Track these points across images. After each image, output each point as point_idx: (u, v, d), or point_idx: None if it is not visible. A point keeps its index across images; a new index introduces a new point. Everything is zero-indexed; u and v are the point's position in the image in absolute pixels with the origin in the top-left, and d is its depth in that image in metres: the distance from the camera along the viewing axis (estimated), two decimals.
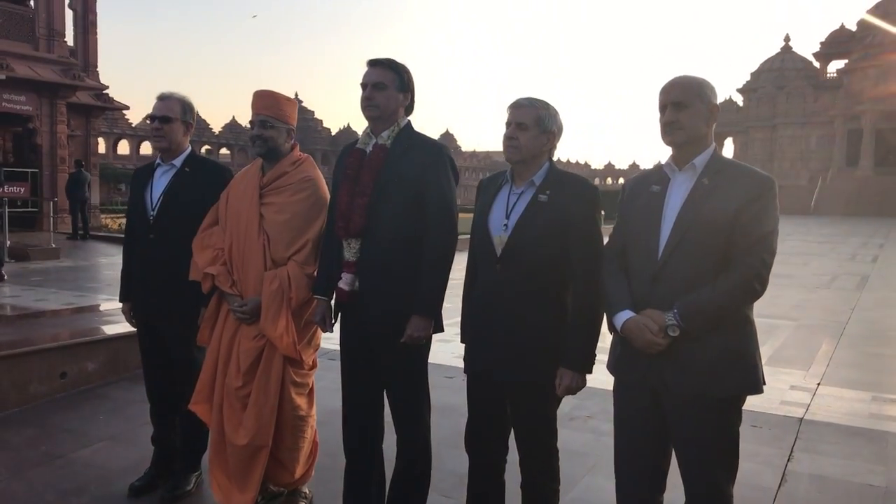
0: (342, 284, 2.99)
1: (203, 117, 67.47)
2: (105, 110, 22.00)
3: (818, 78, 61.45)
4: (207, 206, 3.44)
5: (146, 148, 66.89)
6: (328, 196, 3.28)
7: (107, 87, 20.15)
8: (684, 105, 2.45)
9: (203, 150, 62.54)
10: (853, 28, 63.69)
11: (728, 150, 58.16)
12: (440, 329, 3.01)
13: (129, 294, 3.68)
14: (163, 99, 3.55)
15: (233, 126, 68.72)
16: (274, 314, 3.18)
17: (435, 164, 2.98)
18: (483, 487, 2.95)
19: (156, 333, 3.61)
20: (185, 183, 3.54)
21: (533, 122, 2.73)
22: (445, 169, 3.00)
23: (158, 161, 3.64)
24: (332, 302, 3.10)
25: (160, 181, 3.59)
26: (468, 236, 2.92)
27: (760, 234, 2.36)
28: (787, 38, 62.57)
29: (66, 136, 18.25)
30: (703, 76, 2.53)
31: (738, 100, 65.11)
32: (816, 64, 63.70)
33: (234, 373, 3.26)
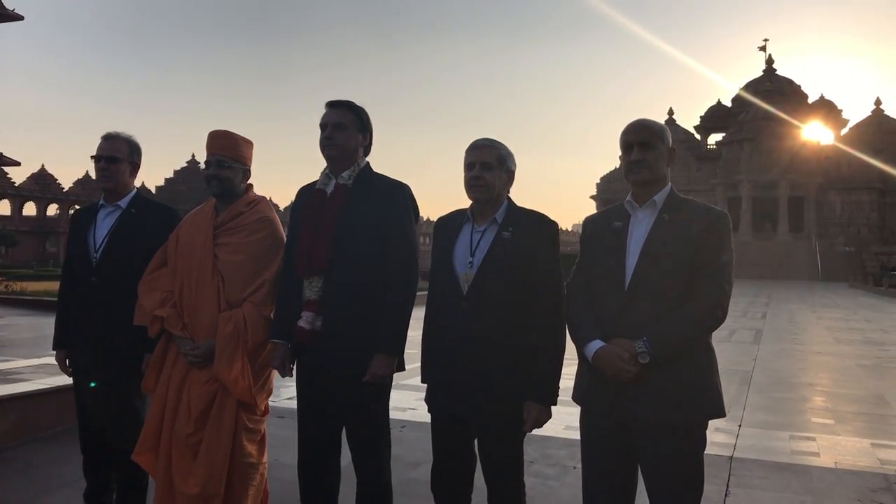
0: (303, 323, 2.95)
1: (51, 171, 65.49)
2: None
3: (700, 149, 65.77)
4: (154, 249, 3.33)
5: (29, 208, 63.88)
6: (284, 237, 3.26)
7: None
8: (650, 146, 2.61)
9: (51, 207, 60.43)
10: (729, 104, 68.85)
11: None
12: (402, 368, 3.01)
13: (65, 341, 3.49)
14: (109, 139, 3.46)
15: (85, 182, 66.73)
16: (229, 357, 3.08)
17: (397, 205, 3.03)
18: None
19: (93, 380, 3.41)
20: (131, 225, 3.43)
21: (496, 161, 2.82)
22: (407, 209, 3.06)
23: (102, 202, 3.52)
24: (289, 346, 3.05)
25: (104, 223, 3.46)
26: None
27: (719, 265, 2.52)
28: (670, 112, 66.89)
29: None
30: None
31: None
32: (698, 136, 68.27)
33: (185, 419, 3.12)
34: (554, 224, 2.89)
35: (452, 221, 2.95)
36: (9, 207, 61.88)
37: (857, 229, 57.31)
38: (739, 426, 5.86)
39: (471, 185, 2.83)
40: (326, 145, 3.03)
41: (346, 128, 3.03)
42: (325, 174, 3.11)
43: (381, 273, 2.95)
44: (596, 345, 2.54)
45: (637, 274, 2.54)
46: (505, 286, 2.74)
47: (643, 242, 2.58)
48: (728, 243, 2.57)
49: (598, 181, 69.67)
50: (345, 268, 2.94)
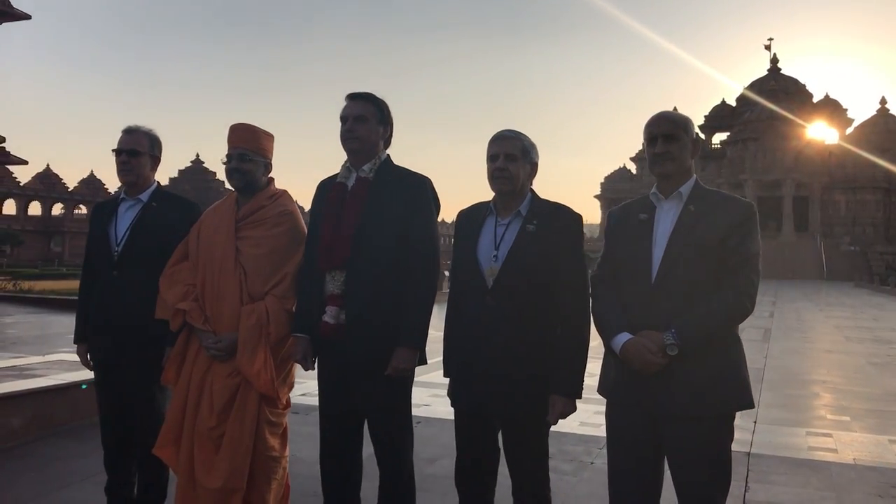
0: (327, 318, 2.94)
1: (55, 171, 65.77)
2: (1, 164, 20.89)
3: (705, 148, 65.66)
4: (175, 242, 3.33)
5: (35, 208, 64.02)
6: (305, 230, 3.25)
7: (3, 140, 19.17)
8: (674, 137, 2.60)
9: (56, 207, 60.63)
10: (733, 103, 68.73)
11: None
12: (423, 361, 3.00)
13: (86, 335, 3.49)
14: (130, 132, 3.46)
15: (90, 181, 66.98)
16: (252, 350, 3.08)
17: (418, 198, 3.02)
18: None
19: (114, 375, 3.42)
20: (153, 218, 3.43)
21: (520, 153, 2.80)
22: (428, 202, 3.05)
23: (122, 195, 3.52)
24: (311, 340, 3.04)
25: (125, 216, 3.46)
26: None
27: (747, 256, 2.51)
28: (674, 111, 66.62)
29: None
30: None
31: (633, 167, 68.61)
32: (702, 135, 68.18)
33: (207, 412, 3.11)
34: (578, 216, 2.87)
35: (475, 214, 2.93)
36: (14, 207, 62.00)
37: (863, 229, 57.23)
38: (755, 423, 5.84)
39: (495, 177, 2.80)
40: (347, 138, 3.02)
41: (366, 120, 3.02)
42: (345, 167, 3.10)
43: (404, 266, 2.94)
44: (623, 337, 2.52)
45: (664, 265, 2.53)
46: (530, 280, 2.73)
47: (670, 234, 2.56)
48: (755, 234, 2.56)
49: (603, 181, 69.70)
50: (368, 261, 2.93)
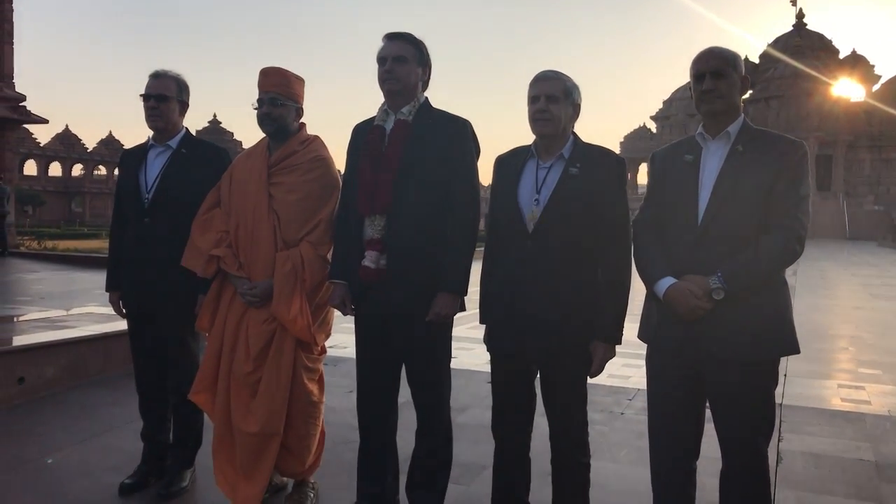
0: (367, 262, 2.90)
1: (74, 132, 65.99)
2: (21, 123, 20.95)
3: None
4: (206, 189, 3.30)
5: (55, 169, 64.45)
6: (339, 176, 3.20)
7: (24, 99, 19.16)
8: (723, 74, 2.50)
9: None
10: (756, 61, 67.33)
11: (644, 174, 60.27)
12: (463, 308, 2.96)
13: (118, 282, 3.49)
14: (157, 77, 3.41)
15: (109, 142, 67.08)
16: (287, 296, 3.06)
17: (459, 141, 2.95)
18: (512, 469, 2.90)
19: (147, 322, 3.42)
20: (183, 164, 3.40)
21: (562, 94, 2.72)
22: (469, 146, 2.98)
23: (151, 142, 3.48)
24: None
25: (155, 163, 3.43)
26: None
27: (797, 198, 2.43)
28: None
29: None
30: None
31: (652, 126, 67.76)
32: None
33: (243, 358, 3.11)
34: (622, 160, 2.81)
35: (515, 158, 2.86)
36: (35, 168, 62.43)
37: (887, 188, 56.30)
38: (785, 375, 5.78)
39: (535, 119, 2.72)
40: (386, 79, 2.93)
41: (406, 61, 2.93)
42: (383, 110, 3.02)
43: (445, 211, 2.89)
44: (667, 282, 2.47)
45: (710, 208, 2.46)
46: (572, 224, 2.67)
47: (716, 176, 2.49)
48: (806, 175, 2.48)
49: (622, 140, 68.94)
50: (409, 206, 2.87)
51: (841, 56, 64.58)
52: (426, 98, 3.04)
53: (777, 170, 2.43)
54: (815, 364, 6.56)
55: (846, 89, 60.92)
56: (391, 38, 2.97)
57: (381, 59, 2.94)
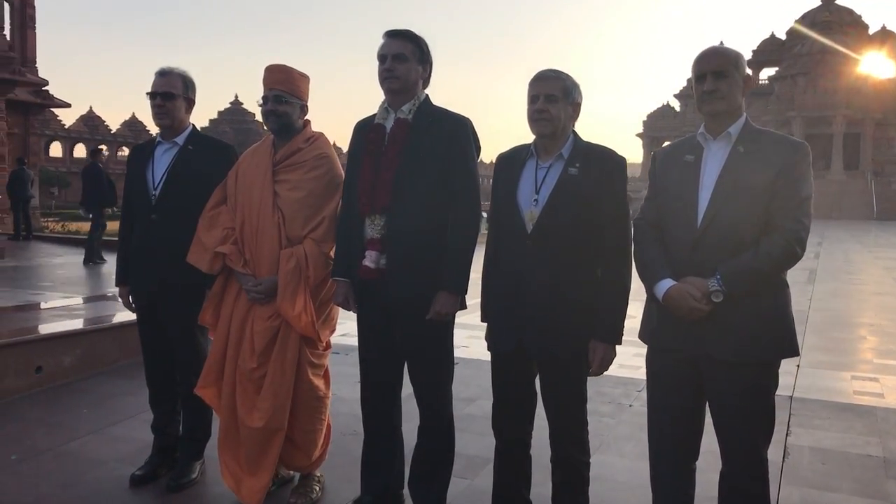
0: (367, 262, 2.92)
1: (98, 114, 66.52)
2: (45, 108, 21.18)
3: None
4: (213, 185, 3.33)
5: (80, 150, 65.09)
6: (343, 174, 3.21)
7: (47, 84, 19.37)
8: (725, 74, 2.47)
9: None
10: (783, 37, 66.12)
11: None
12: (464, 306, 2.97)
13: (127, 276, 3.54)
14: (163, 74, 3.43)
15: (132, 123, 67.45)
16: (291, 293, 3.09)
17: (459, 140, 2.95)
18: (512, 466, 2.92)
19: (156, 316, 3.48)
20: (189, 161, 3.43)
21: (561, 93, 2.70)
22: (469, 145, 2.98)
23: (158, 139, 3.52)
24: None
25: (162, 159, 3.47)
26: None
27: (799, 200, 2.40)
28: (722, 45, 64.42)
29: (5, 133, 17.45)
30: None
31: (676, 105, 66.93)
32: (749, 71, 65.84)
33: (248, 354, 3.16)
34: (622, 159, 2.79)
35: (515, 157, 2.86)
36: (60, 150, 63.13)
37: None
38: (798, 366, 5.73)
39: (534, 119, 2.71)
40: (386, 77, 2.93)
41: (406, 59, 2.92)
42: (383, 108, 3.02)
43: (445, 210, 2.90)
44: (666, 284, 2.46)
45: (710, 209, 2.44)
46: (571, 224, 2.67)
47: (717, 176, 2.46)
48: (808, 176, 2.45)
49: (645, 118, 68.21)
50: (409, 205, 2.88)
51: (870, 32, 63.17)
52: (426, 96, 3.04)
53: (778, 171, 2.40)
54: (830, 354, 6.51)
55: (875, 66, 59.68)
56: (392, 35, 2.96)
57: (382, 57, 2.94)
